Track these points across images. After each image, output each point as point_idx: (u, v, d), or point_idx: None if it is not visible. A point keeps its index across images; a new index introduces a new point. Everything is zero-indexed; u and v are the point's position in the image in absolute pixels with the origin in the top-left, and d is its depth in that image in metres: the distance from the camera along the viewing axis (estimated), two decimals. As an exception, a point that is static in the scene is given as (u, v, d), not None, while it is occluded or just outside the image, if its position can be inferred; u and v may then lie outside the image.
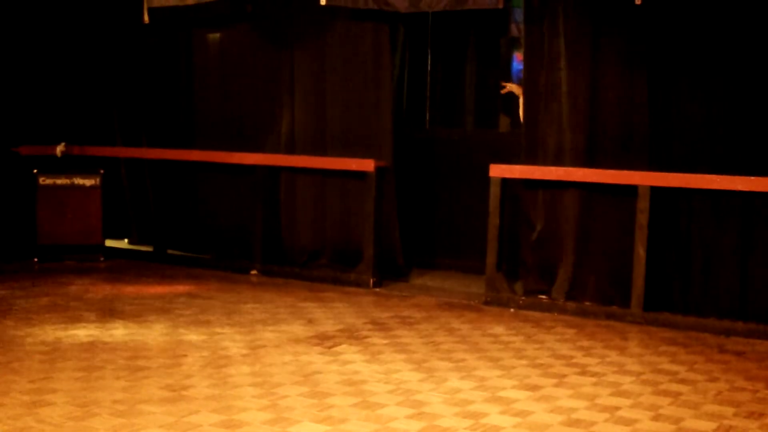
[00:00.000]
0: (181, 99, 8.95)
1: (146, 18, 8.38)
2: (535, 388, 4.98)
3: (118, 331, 6.02)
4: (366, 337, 6.04)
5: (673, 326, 6.47)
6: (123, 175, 9.46)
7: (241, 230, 8.56)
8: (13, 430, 4.14)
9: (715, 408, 4.71)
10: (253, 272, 8.28)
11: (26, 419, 4.28)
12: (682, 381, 5.19)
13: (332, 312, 6.78)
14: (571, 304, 6.90)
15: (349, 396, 4.75)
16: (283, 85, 8.29)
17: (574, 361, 5.56)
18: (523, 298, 7.10)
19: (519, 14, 8.34)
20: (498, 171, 7.15)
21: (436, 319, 6.64)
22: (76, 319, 6.33)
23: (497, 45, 8.67)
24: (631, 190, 6.63)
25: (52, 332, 5.94)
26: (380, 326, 6.35)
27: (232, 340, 5.85)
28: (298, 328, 6.23)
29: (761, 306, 6.37)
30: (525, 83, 7.34)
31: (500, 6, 7.09)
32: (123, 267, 8.53)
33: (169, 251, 8.93)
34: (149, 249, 9.14)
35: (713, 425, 4.43)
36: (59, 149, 8.94)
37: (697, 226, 6.59)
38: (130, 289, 7.46)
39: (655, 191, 6.54)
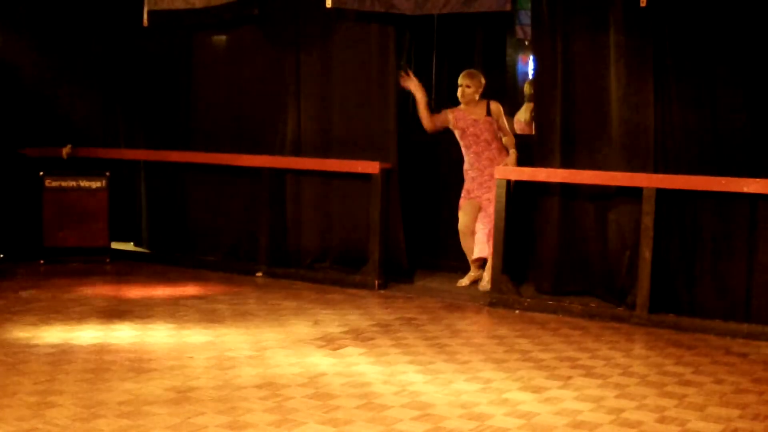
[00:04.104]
0: (186, 102, 8.96)
1: (146, 21, 8.40)
2: (540, 389, 4.98)
3: (124, 333, 6.03)
4: (371, 338, 6.04)
5: (679, 328, 6.46)
6: (128, 177, 9.48)
7: (246, 232, 8.57)
8: (19, 432, 4.16)
9: (720, 410, 4.70)
10: (259, 274, 8.29)
11: (32, 421, 4.29)
12: (688, 383, 5.18)
13: (337, 314, 6.79)
14: (576, 306, 6.90)
15: (355, 398, 4.75)
16: (288, 87, 8.29)
17: (580, 362, 5.56)
18: (528, 299, 7.10)
19: (524, 16, 8.35)
20: (503, 173, 7.15)
21: (441, 321, 6.64)
22: (81, 321, 6.34)
23: (503, 47, 8.68)
24: (637, 191, 6.62)
25: (58, 334, 5.96)
26: (385, 328, 6.36)
27: (237, 342, 5.86)
28: (303, 330, 6.24)
29: (767, 308, 6.36)
30: (535, 86, 7.38)
31: (508, 8, 7.09)
32: (129, 269, 8.55)
33: (174, 253, 8.94)
34: (155, 251, 9.16)
35: (719, 427, 4.43)
36: (65, 151, 8.96)
37: (703, 228, 6.59)
38: (135, 291, 7.48)
39: (662, 193, 6.54)
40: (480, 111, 7.53)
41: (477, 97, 7.52)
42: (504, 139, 7.50)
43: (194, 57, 8.91)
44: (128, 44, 9.20)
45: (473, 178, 7.61)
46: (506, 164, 7.32)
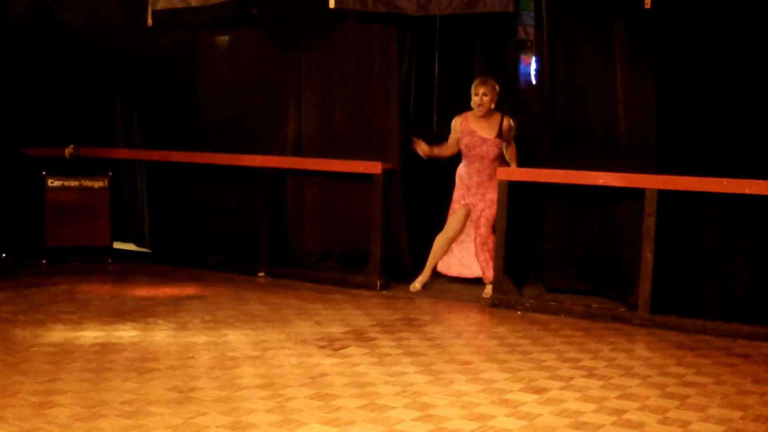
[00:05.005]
0: (189, 102, 8.96)
1: (149, 21, 8.41)
2: (542, 390, 4.98)
3: (126, 333, 6.04)
4: (373, 339, 6.04)
5: (681, 329, 6.46)
6: (130, 177, 9.49)
7: (247, 232, 8.57)
8: (21, 431, 4.16)
9: (722, 411, 4.70)
10: (260, 274, 8.29)
11: (34, 420, 4.29)
12: (690, 384, 5.18)
13: (339, 314, 6.79)
14: (578, 307, 6.90)
15: (356, 398, 4.75)
16: (290, 87, 8.30)
17: (581, 363, 5.56)
18: (530, 300, 7.10)
19: (526, 17, 8.33)
20: (505, 174, 7.14)
21: (443, 321, 6.64)
22: (83, 321, 6.35)
23: (505, 47, 8.66)
24: (639, 192, 6.62)
25: (60, 333, 5.96)
26: (387, 328, 6.36)
27: (239, 342, 5.86)
28: (305, 330, 6.24)
29: (769, 309, 6.38)
30: (536, 86, 7.37)
31: (510, 9, 7.09)
32: (131, 269, 8.56)
33: (176, 253, 8.95)
34: (156, 251, 9.16)
35: (721, 428, 4.43)
36: (68, 151, 8.97)
37: (705, 230, 6.59)
38: (137, 291, 7.48)
39: (663, 194, 6.54)
40: (492, 127, 7.30)
41: (493, 105, 7.29)
42: (507, 155, 7.42)
43: (199, 57, 8.91)
44: (132, 43, 9.20)
45: (468, 187, 7.48)
46: None
